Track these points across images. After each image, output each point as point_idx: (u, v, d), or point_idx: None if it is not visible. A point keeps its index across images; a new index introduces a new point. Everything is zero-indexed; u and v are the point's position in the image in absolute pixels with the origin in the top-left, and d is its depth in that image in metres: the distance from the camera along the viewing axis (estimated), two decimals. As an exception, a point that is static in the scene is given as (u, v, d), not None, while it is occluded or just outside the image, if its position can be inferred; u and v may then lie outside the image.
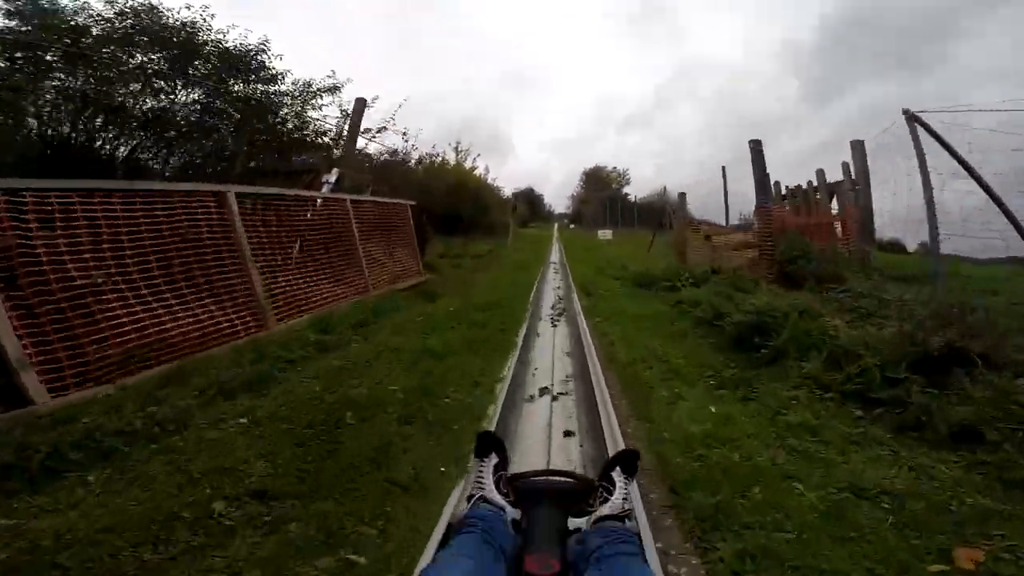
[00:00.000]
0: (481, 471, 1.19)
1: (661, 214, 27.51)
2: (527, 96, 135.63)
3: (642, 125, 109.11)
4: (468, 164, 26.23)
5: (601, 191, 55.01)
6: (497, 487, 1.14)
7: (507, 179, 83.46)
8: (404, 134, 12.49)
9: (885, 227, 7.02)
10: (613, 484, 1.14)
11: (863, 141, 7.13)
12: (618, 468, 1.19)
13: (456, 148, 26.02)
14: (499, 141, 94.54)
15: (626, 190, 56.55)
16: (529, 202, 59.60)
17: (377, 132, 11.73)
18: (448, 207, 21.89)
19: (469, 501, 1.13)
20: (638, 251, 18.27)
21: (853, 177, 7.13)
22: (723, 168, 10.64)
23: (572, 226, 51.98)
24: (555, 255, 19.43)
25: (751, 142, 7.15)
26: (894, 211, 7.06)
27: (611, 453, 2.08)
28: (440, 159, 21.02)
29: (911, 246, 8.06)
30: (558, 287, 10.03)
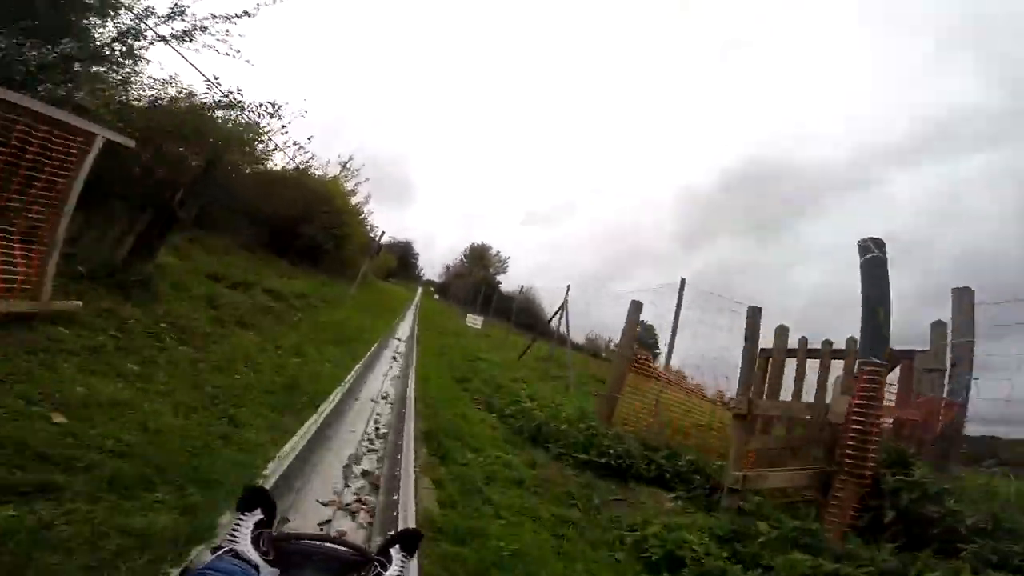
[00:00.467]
0: (238, 524, 1.04)
1: (536, 320, 24.60)
2: (444, 154, 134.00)
3: (542, 223, 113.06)
4: (349, 185, 20.87)
5: (478, 271, 52.63)
6: (256, 544, 1.01)
7: (394, 229, 76.70)
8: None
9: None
10: (390, 560, 1.06)
11: (972, 289, 4.18)
12: (398, 546, 1.10)
13: (345, 164, 20.64)
14: (401, 188, 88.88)
15: (500, 278, 55.22)
16: (401, 257, 54.41)
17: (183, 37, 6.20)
18: (287, 219, 15.94)
19: (214, 553, 0.97)
20: (508, 355, 14.36)
21: (950, 341, 4.09)
22: (682, 280, 7.27)
23: (437, 297, 48.02)
24: (405, 328, 14.46)
25: (865, 241, 3.66)
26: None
27: None
28: (300, 154, 15.35)
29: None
30: (381, 411, 5.13)
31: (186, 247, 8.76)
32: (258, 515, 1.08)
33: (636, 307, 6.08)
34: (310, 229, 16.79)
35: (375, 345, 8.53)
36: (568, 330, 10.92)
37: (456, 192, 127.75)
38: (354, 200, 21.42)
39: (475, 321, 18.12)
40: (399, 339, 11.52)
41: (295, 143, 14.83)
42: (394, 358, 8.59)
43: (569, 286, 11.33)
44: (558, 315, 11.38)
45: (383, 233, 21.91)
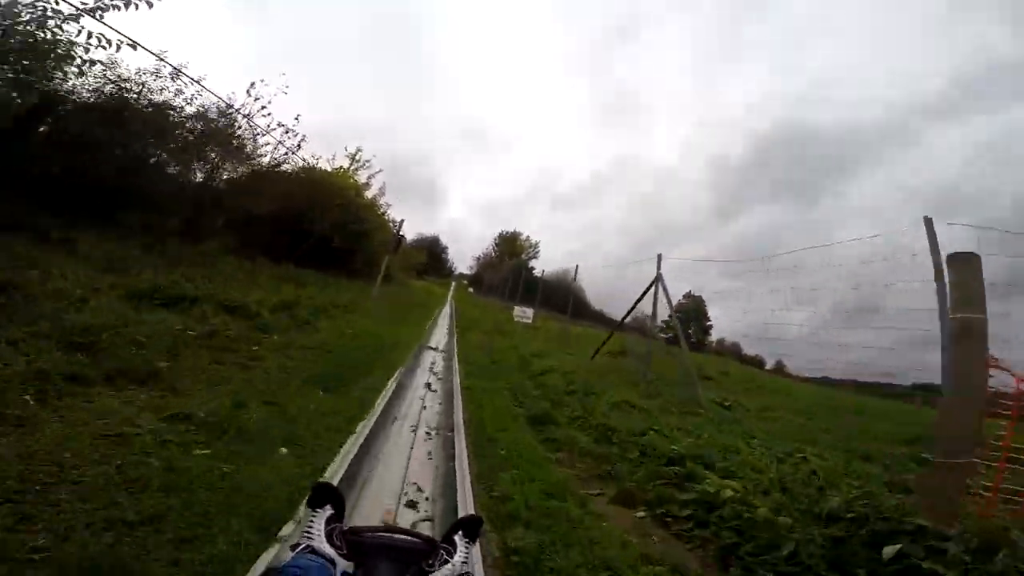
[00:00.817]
0: (312, 521, 1.08)
1: (583, 307, 21.05)
2: (466, 150, 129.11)
3: (568, 206, 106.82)
4: (362, 178, 18.13)
5: (510, 260, 49.58)
6: (329, 539, 1.04)
7: (426, 228, 73.62)
8: None
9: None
10: (455, 547, 1.09)
11: None
12: (460, 532, 1.14)
13: (354, 156, 17.90)
14: (426, 187, 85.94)
15: (532, 263, 51.98)
16: (431, 252, 51.93)
17: None
18: (291, 217, 13.30)
19: (294, 550, 1.02)
20: (574, 355, 11.24)
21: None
22: (927, 220, 3.78)
23: (471, 290, 45.38)
24: (442, 333, 11.55)
25: None
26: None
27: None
28: (288, 137, 12.61)
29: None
30: None
31: (125, 257, 6.09)
32: (328, 511, 1.09)
33: (970, 265, 2.60)
34: (320, 227, 14.14)
35: (399, 370, 5.58)
36: (679, 325, 7.61)
37: (481, 183, 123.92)
38: (369, 193, 18.72)
39: (523, 315, 15.06)
40: (435, 348, 8.62)
41: (280, 124, 12.13)
42: (428, 385, 5.65)
43: (660, 255, 8.06)
44: (649, 293, 8.12)
45: (402, 221, 18.89)
